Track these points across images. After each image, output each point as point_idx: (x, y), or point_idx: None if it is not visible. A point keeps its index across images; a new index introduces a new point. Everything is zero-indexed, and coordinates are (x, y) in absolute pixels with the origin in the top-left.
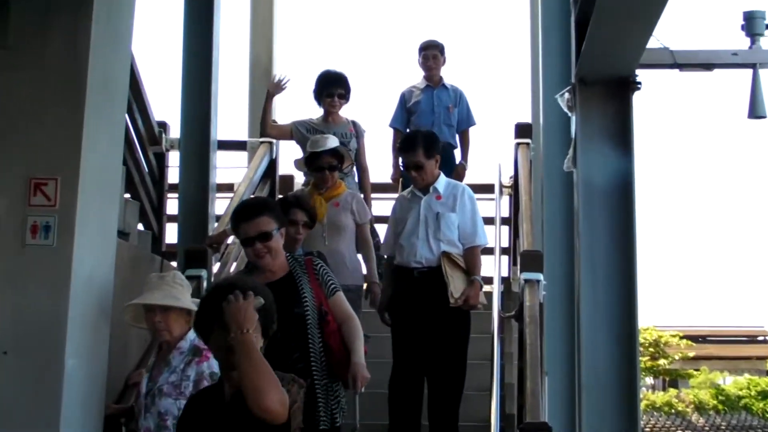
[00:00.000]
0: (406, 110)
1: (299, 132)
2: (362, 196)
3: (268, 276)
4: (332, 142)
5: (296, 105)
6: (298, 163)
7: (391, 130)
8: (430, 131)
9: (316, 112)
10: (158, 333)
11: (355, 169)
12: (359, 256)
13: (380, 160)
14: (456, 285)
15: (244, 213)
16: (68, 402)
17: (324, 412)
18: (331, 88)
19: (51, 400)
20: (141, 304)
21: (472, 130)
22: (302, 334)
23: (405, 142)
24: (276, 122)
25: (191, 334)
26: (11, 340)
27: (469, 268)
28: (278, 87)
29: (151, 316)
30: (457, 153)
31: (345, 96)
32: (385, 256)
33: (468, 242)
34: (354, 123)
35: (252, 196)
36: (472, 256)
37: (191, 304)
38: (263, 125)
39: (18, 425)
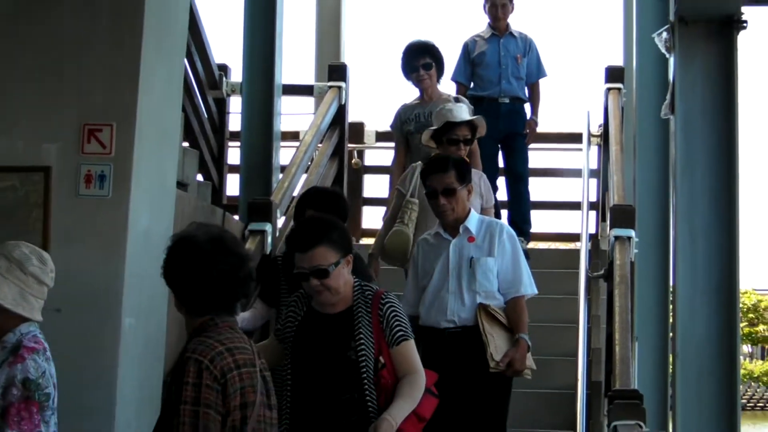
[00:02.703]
0: (470, 62)
1: (402, 128)
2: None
3: (326, 308)
4: (465, 112)
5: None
6: (425, 137)
7: (453, 85)
8: (461, 158)
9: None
10: None
11: None
12: None
13: None
14: (497, 345)
15: (299, 241)
16: (126, 362)
17: None
18: (415, 60)
19: (108, 360)
20: None
21: (542, 81)
22: (357, 384)
23: (431, 162)
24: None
25: (24, 327)
26: (65, 296)
27: (513, 325)
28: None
29: None
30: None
31: (432, 66)
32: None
33: (510, 293)
34: (458, 99)
35: (314, 216)
36: (515, 309)
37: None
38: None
39: (74, 384)
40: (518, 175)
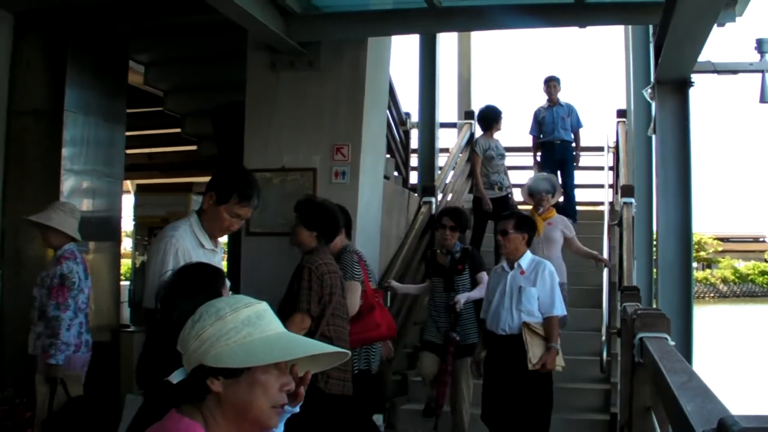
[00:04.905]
0: (538, 122)
1: (481, 150)
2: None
3: None
4: (544, 175)
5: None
6: (523, 192)
7: (530, 137)
8: (529, 216)
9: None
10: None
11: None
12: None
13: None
14: (534, 351)
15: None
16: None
17: (357, 359)
18: (491, 121)
19: None
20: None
21: (581, 131)
22: None
23: (506, 213)
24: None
25: (68, 245)
26: None
27: (547, 336)
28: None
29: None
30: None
31: (498, 126)
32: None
33: (546, 312)
34: (502, 149)
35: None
36: (549, 325)
37: (63, 225)
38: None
39: None
40: (569, 188)
